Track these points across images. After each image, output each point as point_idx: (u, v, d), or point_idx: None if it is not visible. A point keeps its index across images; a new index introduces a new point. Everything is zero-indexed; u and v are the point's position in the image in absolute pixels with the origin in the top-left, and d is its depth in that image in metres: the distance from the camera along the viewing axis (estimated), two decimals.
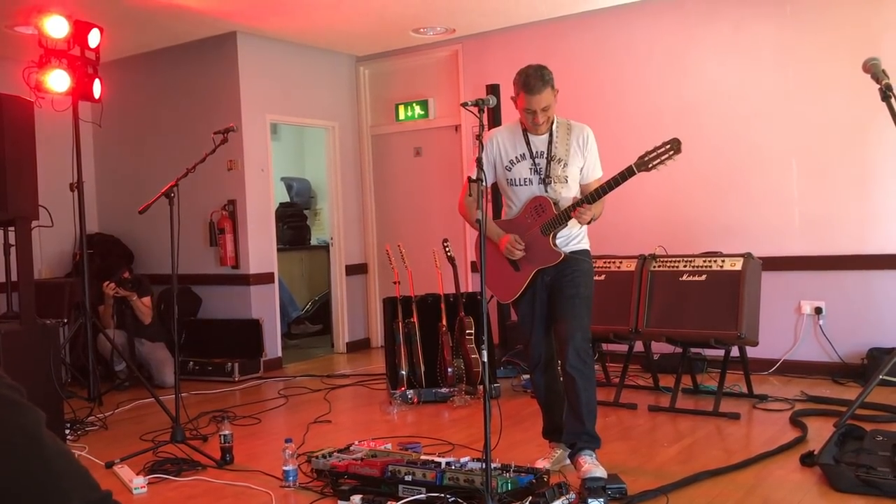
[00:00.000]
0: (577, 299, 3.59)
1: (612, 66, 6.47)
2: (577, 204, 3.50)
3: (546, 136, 3.62)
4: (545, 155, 3.61)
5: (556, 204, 3.58)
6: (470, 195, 3.70)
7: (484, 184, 3.24)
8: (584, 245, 3.73)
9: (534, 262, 3.64)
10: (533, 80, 3.48)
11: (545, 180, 3.61)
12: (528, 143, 3.63)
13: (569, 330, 3.54)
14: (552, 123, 3.63)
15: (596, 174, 3.67)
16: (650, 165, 3.39)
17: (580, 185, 3.67)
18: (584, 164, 3.65)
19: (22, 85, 5.05)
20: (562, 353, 3.59)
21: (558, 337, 3.62)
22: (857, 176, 5.55)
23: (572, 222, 3.58)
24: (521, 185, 3.65)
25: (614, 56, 6.46)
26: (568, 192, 3.62)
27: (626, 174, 3.42)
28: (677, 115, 6.17)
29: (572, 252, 3.64)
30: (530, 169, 3.62)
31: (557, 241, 3.61)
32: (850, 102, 5.51)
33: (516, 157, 3.65)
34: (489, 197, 3.78)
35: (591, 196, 3.49)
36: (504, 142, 3.68)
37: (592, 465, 3.48)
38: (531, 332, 3.75)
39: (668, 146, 3.37)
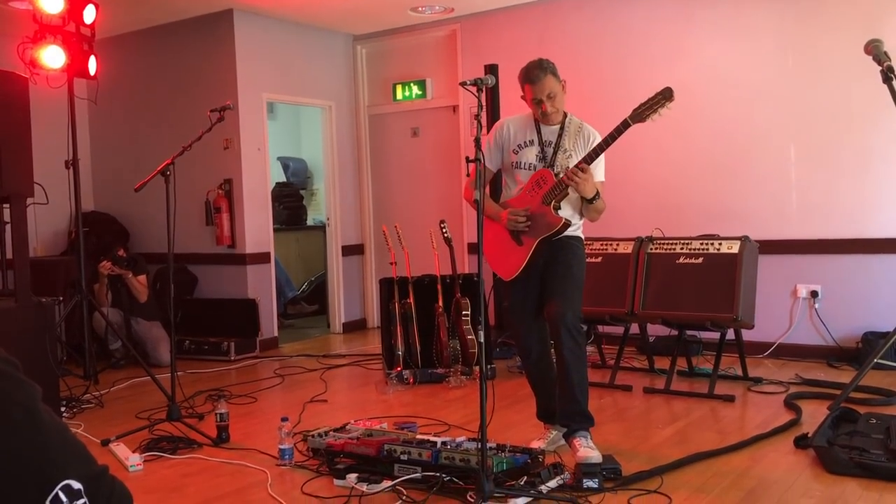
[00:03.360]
0: (569, 280, 3.62)
1: (609, 47, 6.43)
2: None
3: (557, 127, 3.67)
4: (552, 145, 3.66)
5: (556, 175, 3.60)
6: (467, 175, 3.70)
7: (482, 162, 3.24)
8: (578, 233, 3.76)
9: (536, 233, 3.64)
10: (533, 70, 3.58)
11: (548, 168, 3.64)
12: (538, 132, 3.68)
13: (560, 309, 3.55)
14: (565, 118, 3.66)
15: (597, 178, 3.64)
16: (644, 116, 3.43)
17: None
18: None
19: (17, 61, 5.01)
20: (554, 333, 3.60)
21: (550, 316, 3.61)
22: (856, 160, 5.55)
23: (571, 191, 3.57)
24: (526, 168, 3.69)
25: (612, 37, 6.42)
26: None
27: (622, 128, 3.44)
28: (677, 98, 6.05)
29: (566, 237, 3.66)
30: (537, 155, 3.67)
31: (558, 211, 3.62)
32: (849, 86, 5.49)
33: (525, 142, 3.69)
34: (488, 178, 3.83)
35: (590, 155, 3.49)
36: (515, 127, 3.74)
37: (588, 450, 3.48)
38: (521, 322, 3.77)
39: (659, 95, 3.43)
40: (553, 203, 3.59)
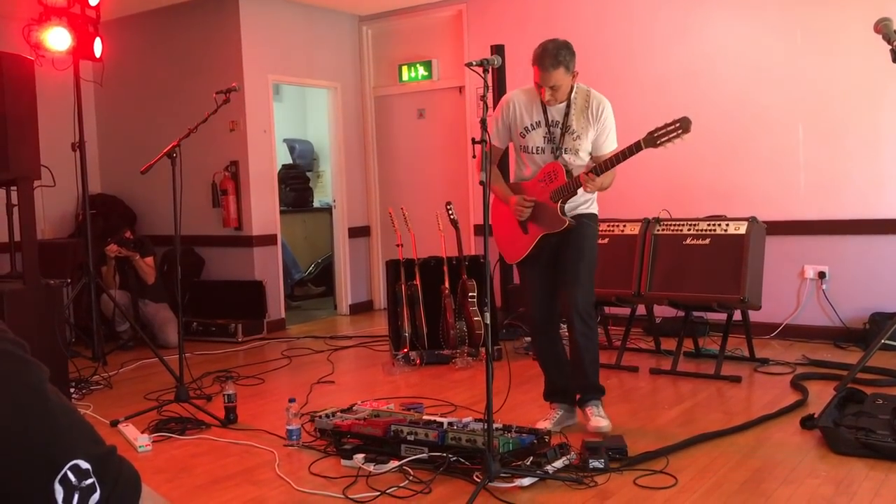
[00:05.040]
0: (581, 263, 3.66)
1: (617, 28, 6.38)
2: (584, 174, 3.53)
3: (563, 105, 3.64)
4: (560, 125, 3.64)
5: (568, 172, 3.60)
6: (473, 156, 3.70)
7: (488, 143, 3.24)
8: (593, 209, 3.79)
9: (541, 227, 3.68)
10: (547, 57, 3.50)
11: (557, 150, 3.65)
12: (544, 112, 3.66)
13: (573, 294, 3.62)
14: (571, 91, 3.63)
15: (609, 147, 3.66)
16: (658, 142, 3.40)
17: (593, 157, 3.70)
18: (595, 136, 3.66)
19: (22, 43, 5.00)
20: (567, 317, 3.68)
21: (563, 301, 3.69)
22: (864, 140, 5.51)
23: (581, 191, 3.60)
24: (534, 152, 3.70)
25: (620, 17, 6.37)
26: (580, 164, 3.67)
27: (634, 149, 3.43)
28: (684, 78, 6.10)
29: (580, 215, 3.69)
30: (544, 137, 3.66)
31: (566, 207, 3.64)
32: (857, 65, 5.44)
33: (532, 125, 3.68)
34: (493, 159, 3.83)
35: (598, 169, 3.51)
36: (521, 107, 3.70)
37: (599, 419, 3.66)
38: (533, 296, 3.81)
39: (677, 125, 3.36)
40: (560, 203, 3.61)
